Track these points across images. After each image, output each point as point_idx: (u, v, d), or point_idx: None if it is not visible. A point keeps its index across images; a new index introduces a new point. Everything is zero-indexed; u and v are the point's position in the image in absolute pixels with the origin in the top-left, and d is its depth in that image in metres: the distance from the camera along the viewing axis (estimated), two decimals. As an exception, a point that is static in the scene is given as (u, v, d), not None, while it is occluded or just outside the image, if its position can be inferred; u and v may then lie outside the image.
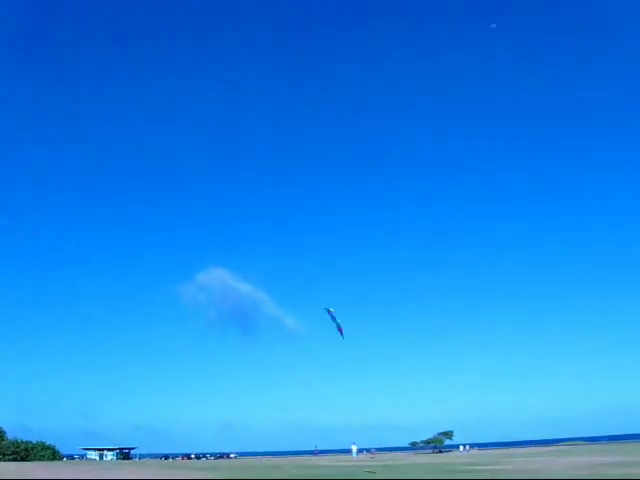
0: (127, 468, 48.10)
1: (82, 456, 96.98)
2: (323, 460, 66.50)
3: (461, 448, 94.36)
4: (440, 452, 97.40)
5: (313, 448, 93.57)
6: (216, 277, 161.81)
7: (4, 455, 64.92)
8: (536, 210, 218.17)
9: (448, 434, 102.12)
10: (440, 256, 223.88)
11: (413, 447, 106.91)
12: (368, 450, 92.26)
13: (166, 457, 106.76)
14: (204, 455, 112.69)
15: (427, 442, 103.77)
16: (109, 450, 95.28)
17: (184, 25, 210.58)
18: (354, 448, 79.26)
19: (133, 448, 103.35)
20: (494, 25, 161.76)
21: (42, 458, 69.13)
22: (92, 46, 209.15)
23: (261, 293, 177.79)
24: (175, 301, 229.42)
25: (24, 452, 68.37)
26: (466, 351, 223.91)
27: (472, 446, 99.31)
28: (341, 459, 69.42)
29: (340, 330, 35.99)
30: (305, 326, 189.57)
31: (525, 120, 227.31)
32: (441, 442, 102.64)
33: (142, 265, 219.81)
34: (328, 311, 35.98)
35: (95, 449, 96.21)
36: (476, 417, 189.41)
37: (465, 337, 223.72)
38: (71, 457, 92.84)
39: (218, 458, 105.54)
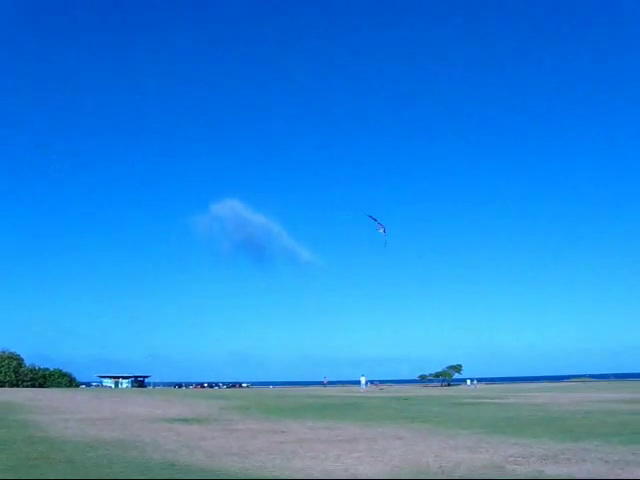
0: (143, 395, 49.18)
1: (98, 384, 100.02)
2: (332, 391, 67.65)
3: (469, 382, 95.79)
4: (448, 385, 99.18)
5: (322, 379, 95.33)
6: (230, 208, 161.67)
7: (22, 382, 66.89)
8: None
9: (457, 368, 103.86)
10: (456, 191, 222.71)
11: (422, 380, 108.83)
12: (372, 382, 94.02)
13: (179, 385, 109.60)
14: (217, 384, 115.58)
15: (436, 375, 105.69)
16: (124, 378, 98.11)
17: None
18: (363, 380, 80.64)
19: (147, 376, 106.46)
20: None
21: (59, 385, 71.22)
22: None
23: (275, 224, 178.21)
24: (189, 232, 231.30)
25: (42, 379, 70.47)
26: (477, 287, 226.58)
27: (480, 380, 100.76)
28: (350, 390, 70.68)
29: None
30: (318, 258, 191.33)
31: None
32: (450, 376, 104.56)
33: (156, 196, 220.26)
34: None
35: (111, 377, 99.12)
36: (485, 353, 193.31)
37: (476, 273, 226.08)
38: (88, 384, 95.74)
39: (230, 387, 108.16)
